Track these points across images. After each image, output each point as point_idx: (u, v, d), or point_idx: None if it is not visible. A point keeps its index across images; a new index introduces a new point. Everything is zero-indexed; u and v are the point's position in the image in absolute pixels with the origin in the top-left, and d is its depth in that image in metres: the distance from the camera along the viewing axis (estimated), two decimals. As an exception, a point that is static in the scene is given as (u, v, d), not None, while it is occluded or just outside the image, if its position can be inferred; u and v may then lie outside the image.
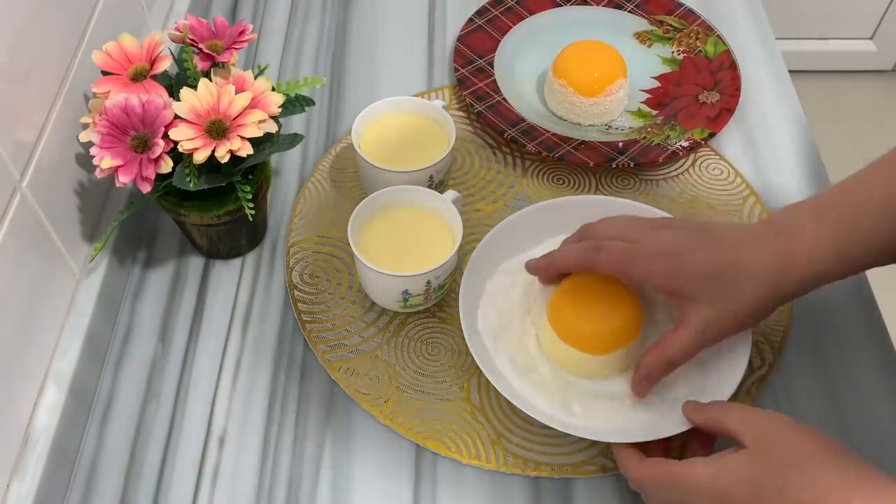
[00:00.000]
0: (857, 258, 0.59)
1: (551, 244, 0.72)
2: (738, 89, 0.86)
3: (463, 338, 0.66)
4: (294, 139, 0.68)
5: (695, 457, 0.56)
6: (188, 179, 0.64)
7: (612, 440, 0.62)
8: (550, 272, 0.66)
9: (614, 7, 0.95)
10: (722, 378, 0.64)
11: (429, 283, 0.67)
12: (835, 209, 0.59)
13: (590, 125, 0.86)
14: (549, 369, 0.67)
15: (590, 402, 0.65)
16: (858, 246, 0.58)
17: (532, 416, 0.62)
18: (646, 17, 0.94)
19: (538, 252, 0.71)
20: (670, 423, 0.61)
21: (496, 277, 0.71)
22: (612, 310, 0.65)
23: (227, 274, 0.76)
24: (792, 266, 0.58)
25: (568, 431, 0.61)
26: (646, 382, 0.62)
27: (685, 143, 0.81)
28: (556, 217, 0.73)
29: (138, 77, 0.65)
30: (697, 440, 0.61)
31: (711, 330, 0.60)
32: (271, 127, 0.65)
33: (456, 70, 0.88)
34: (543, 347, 0.68)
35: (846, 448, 0.52)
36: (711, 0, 0.98)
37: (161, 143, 0.62)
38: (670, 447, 0.63)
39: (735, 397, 0.67)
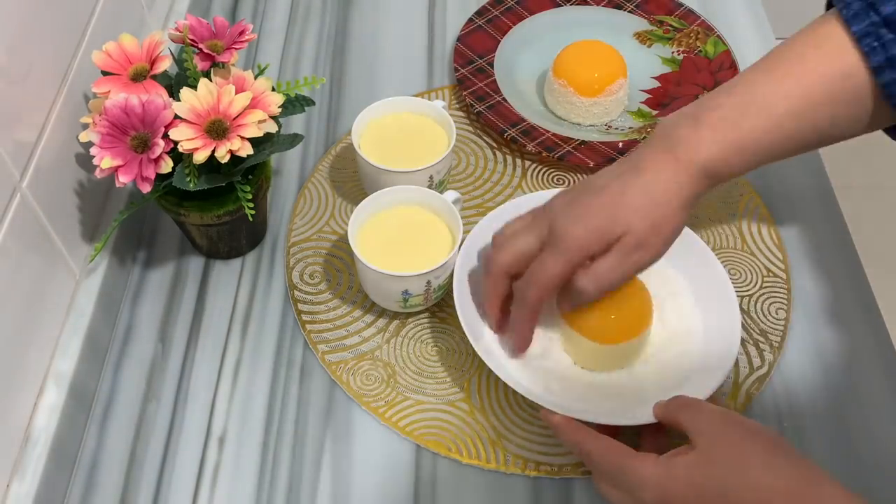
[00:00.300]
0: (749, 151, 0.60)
1: None
2: (738, 89, 0.86)
3: (463, 338, 0.66)
4: (294, 139, 0.68)
5: (648, 451, 0.56)
6: (188, 179, 0.64)
7: (612, 423, 0.62)
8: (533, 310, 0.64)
9: (614, 7, 0.95)
10: (711, 375, 0.64)
11: (429, 283, 0.67)
12: (713, 112, 0.59)
13: (590, 125, 0.86)
14: (555, 357, 0.67)
15: (595, 394, 0.65)
16: (737, 147, 0.59)
17: (532, 399, 0.61)
18: (646, 17, 0.94)
19: None
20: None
21: None
22: (624, 299, 0.65)
23: (227, 274, 0.76)
24: (694, 168, 0.59)
25: (569, 415, 0.61)
26: (573, 303, 0.63)
27: (685, 143, 0.81)
28: None
29: (138, 77, 0.65)
30: (652, 430, 0.62)
31: (641, 249, 0.60)
32: (271, 127, 0.65)
33: (456, 70, 0.88)
34: (553, 335, 0.68)
35: (793, 450, 0.52)
36: (711, 0, 0.98)
37: (161, 143, 0.62)
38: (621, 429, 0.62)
39: (734, 398, 0.67)
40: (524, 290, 0.62)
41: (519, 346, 0.65)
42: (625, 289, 0.65)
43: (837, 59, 0.57)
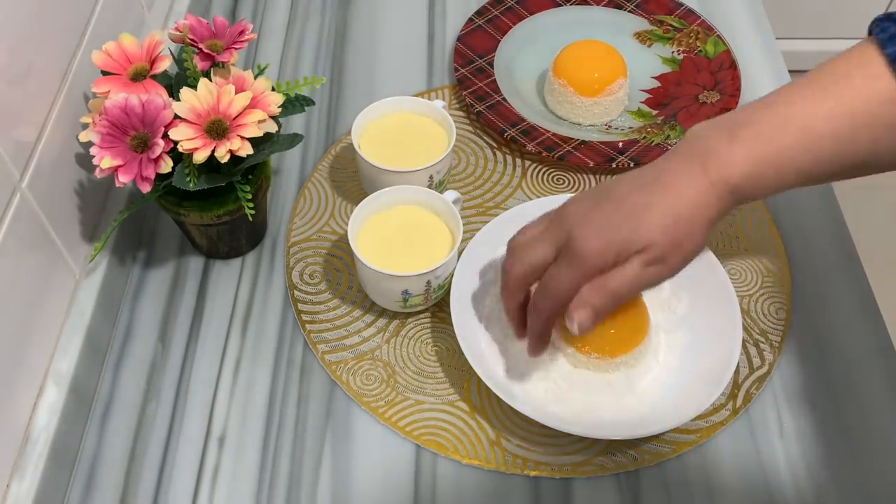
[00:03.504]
0: (781, 173, 0.57)
1: None
2: (738, 89, 0.86)
3: (463, 338, 0.66)
4: (294, 139, 0.68)
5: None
6: (188, 179, 0.64)
7: (612, 437, 0.62)
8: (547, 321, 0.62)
9: (614, 7, 0.95)
10: (712, 376, 0.64)
11: (429, 283, 0.67)
12: (750, 126, 0.57)
13: (590, 125, 0.86)
14: (554, 364, 0.67)
15: (592, 395, 0.66)
16: (773, 166, 0.56)
17: (528, 415, 0.62)
18: (646, 17, 0.94)
19: None
20: (672, 415, 0.62)
21: (497, 273, 0.72)
22: (620, 312, 0.65)
23: (227, 274, 0.76)
24: (723, 185, 0.56)
25: (570, 431, 0.62)
26: (593, 318, 0.58)
27: (685, 143, 0.81)
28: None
29: (138, 77, 0.65)
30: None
31: (659, 265, 0.58)
32: (271, 127, 0.65)
33: (456, 70, 0.88)
34: (552, 344, 0.68)
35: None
36: (711, 0, 0.98)
37: (161, 142, 0.61)
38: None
39: (734, 398, 0.67)
40: (538, 302, 0.60)
41: (531, 352, 0.64)
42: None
43: (880, 82, 0.54)
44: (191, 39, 0.66)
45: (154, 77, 0.65)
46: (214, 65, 0.67)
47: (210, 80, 0.65)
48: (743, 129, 0.57)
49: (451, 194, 0.73)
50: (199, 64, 0.66)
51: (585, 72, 0.83)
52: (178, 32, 0.67)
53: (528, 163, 0.83)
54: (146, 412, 0.68)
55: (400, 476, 0.64)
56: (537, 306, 0.60)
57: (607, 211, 0.58)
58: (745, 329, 0.70)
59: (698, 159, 0.57)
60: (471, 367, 0.64)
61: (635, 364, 0.67)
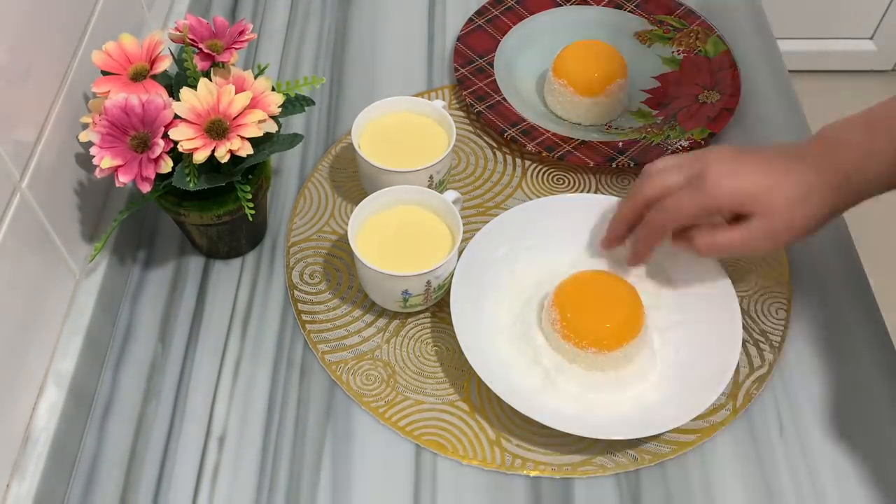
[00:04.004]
0: None
1: (549, 242, 0.73)
2: (738, 89, 0.86)
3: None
4: (294, 139, 0.68)
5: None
6: (188, 179, 0.64)
7: (612, 437, 0.63)
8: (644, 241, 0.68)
9: (614, 7, 0.95)
10: (712, 376, 0.65)
11: (429, 283, 0.67)
12: (887, 121, 0.59)
13: (590, 125, 0.86)
14: (554, 362, 0.67)
15: (593, 395, 0.66)
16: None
17: (528, 414, 0.62)
18: (646, 17, 0.94)
19: (537, 248, 0.72)
20: (672, 415, 0.63)
21: (497, 273, 0.72)
22: (616, 306, 0.66)
23: (227, 274, 0.76)
24: (846, 180, 0.59)
25: (570, 431, 0.62)
26: (686, 251, 0.65)
27: (685, 143, 0.81)
28: (554, 213, 0.73)
29: (138, 77, 0.65)
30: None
31: (768, 238, 0.61)
32: (271, 127, 0.65)
33: (456, 70, 0.88)
34: (550, 342, 0.68)
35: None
36: (711, 0, 0.98)
37: (161, 142, 0.61)
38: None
39: (734, 398, 0.67)
40: (654, 215, 0.64)
41: (632, 262, 0.69)
42: (614, 295, 0.66)
43: None
44: (191, 39, 0.66)
45: (154, 77, 0.65)
46: (214, 65, 0.67)
47: (210, 80, 0.65)
48: (879, 122, 0.59)
49: (451, 194, 0.73)
50: (199, 64, 0.66)
51: (585, 72, 0.83)
52: (178, 32, 0.67)
53: (528, 163, 0.83)
54: (146, 412, 0.68)
55: (400, 476, 0.64)
56: (652, 219, 0.65)
57: (748, 160, 0.61)
58: (745, 329, 0.70)
59: (834, 150, 0.60)
60: (471, 367, 0.64)
61: (633, 359, 0.67)
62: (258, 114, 0.64)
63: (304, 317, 0.72)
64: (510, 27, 0.93)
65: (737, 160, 0.61)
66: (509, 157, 0.84)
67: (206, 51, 0.66)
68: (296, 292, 0.74)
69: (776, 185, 0.59)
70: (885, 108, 0.60)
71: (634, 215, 0.67)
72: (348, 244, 0.67)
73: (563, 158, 0.80)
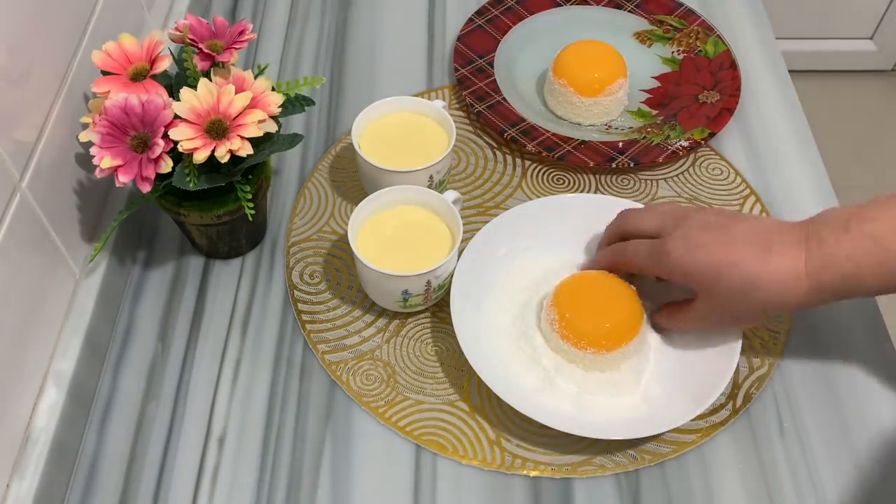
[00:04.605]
0: (868, 281, 0.57)
1: (548, 242, 0.73)
2: (738, 89, 0.86)
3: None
4: (294, 139, 0.68)
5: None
6: (188, 179, 0.64)
7: (612, 437, 0.63)
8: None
9: (614, 7, 0.95)
10: (712, 377, 0.65)
11: (429, 283, 0.67)
12: (865, 223, 0.56)
13: (590, 125, 0.86)
14: (553, 362, 0.67)
15: (593, 395, 0.66)
16: (871, 269, 0.56)
17: (528, 414, 0.62)
18: (646, 17, 0.94)
19: (536, 248, 0.72)
20: (672, 415, 0.63)
21: (497, 273, 0.72)
22: (615, 306, 0.66)
23: (227, 274, 0.76)
24: (801, 279, 0.57)
25: (570, 431, 0.62)
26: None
27: (685, 143, 0.81)
28: (554, 213, 0.73)
29: (138, 77, 0.65)
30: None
31: (713, 319, 0.64)
32: (271, 127, 0.65)
33: (456, 70, 0.88)
34: (549, 342, 0.68)
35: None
36: (711, 0, 0.98)
37: (161, 142, 0.61)
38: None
39: (734, 398, 0.67)
40: (616, 249, 0.68)
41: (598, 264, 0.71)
42: (614, 296, 0.66)
43: None
44: (191, 39, 0.66)
45: (154, 77, 0.65)
46: (214, 65, 0.67)
47: (210, 80, 0.65)
48: (858, 226, 0.56)
49: (451, 194, 0.73)
50: (199, 64, 0.66)
51: (585, 72, 0.83)
52: (178, 32, 0.67)
53: (528, 163, 0.83)
54: (146, 412, 0.68)
55: (400, 476, 0.64)
56: (613, 251, 0.68)
57: (714, 239, 0.61)
58: (744, 329, 0.70)
59: (807, 242, 0.58)
60: (471, 367, 0.64)
61: (632, 359, 0.67)
62: (258, 114, 0.64)
63: (304, 317, 0.72)
64: (510, 27, 0.93)
65: (708, 234, 0.61)
66: (509, 157, 0.84)
67: (206, 51, 0.66)
68: (296, 292, 0.74)
69: (723, 273, 0.59)
70: (869, 208, 0.57)
71: (609, 242, 0.70)
72: (348, 244, 0.67)
73: (563, 158, 0.80)
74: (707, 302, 0.62)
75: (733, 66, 0.88)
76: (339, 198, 0.80)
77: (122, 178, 0.61)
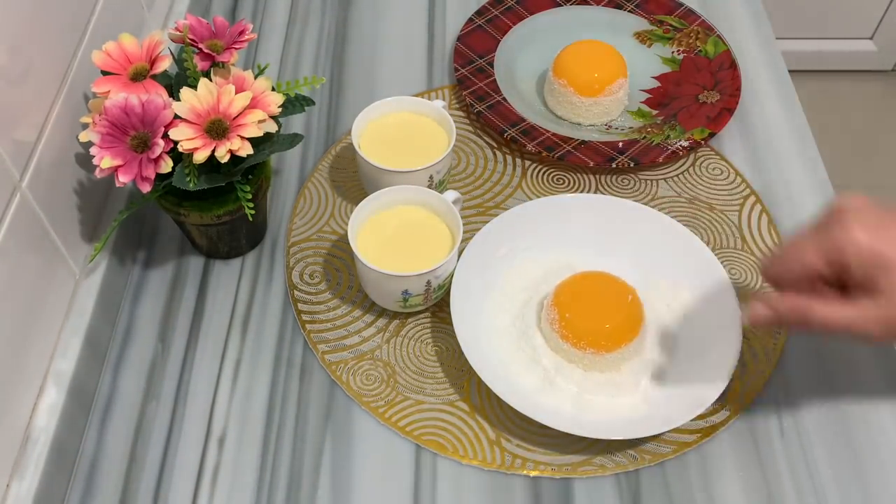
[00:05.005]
0: None
1: (548, 242, 0.73)
2: (738, 89, 0.86)
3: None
4: (294, 139, 0.68)
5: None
6: (188, 179, 0.64)
7: (612, 437, 0.63)
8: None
9: (614, 7, 0.95)
10: (712, 377, 0.65)
11: (429, 283, 0.67)
12: None
13: (590, 125, 0.86)
14: (553, 362, 0.67)
15: (593, 395, 0.66)
16: None
17: (528, 414, 0.62)
18: (646, 17, 0.94)
19: (536, 248, 0.72)
20: (672, 415, 0.63)
21: (497, 273, 0.72)
22: (615, 307, 0.66)
23: (227, 274, 0.76)
24: None
25: (570, 431, 0.62)
26: (772, 323, 0.58)
27: (685, 143, 0.81)
28: (554, 213, 0.74)
29: (138, 77, 0.65)
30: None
31: (881, 325, 0.55)
32: (271, 127, 0.65)
33: (456, 70, 0.88)
34: (549, 342, 0.68)
35: None
36: (711, 0, 0.98)
37: (161, 142, 0.61)
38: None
39: (734, 398, 0.67)
40: (794, 310, 0.57)
41: (752, 321, 0.59)
42: (614, 296, 0.66)
43: None
44: (191, 39, 0.66)
45: (154, 77, 0.65)
46: (214, 65, 0.67)
47: (210, 80, 0.65)
48: None
49: (451, 194, 0.73)
50: (199, 64, 0.66)
51: (585, 72, 0.83)
52: (178, 32, 0.67)
53: (528, 163, 0.83)
54: (146, 412, 0.68)
55: (400, 476, 0.64)
56: (789, 311, 0.57)
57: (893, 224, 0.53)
58: (744, 329, 0.70)
59: None
60: (471, 367, 0.64)
61: (632, 359, 0.67)
62: (258, 114, 0.64)
63: (304, 317, 0.72)
64: (510, 27, 0.93)
65: (883, 217, 0.54)
66: (509, 157, 0.84)
67: (206, 51, 0.66)
68: (296, 292, 0.74)
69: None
70: None
71: (773, 281, 0.60)
72: (348, 244, 0.67)
73: (563, 158, 0.80)
74: (887, 300, 0.53)
75: (733, 66, 0.88)
76: (339, 198, 0.80)
77: (122, 178, 0.61)
